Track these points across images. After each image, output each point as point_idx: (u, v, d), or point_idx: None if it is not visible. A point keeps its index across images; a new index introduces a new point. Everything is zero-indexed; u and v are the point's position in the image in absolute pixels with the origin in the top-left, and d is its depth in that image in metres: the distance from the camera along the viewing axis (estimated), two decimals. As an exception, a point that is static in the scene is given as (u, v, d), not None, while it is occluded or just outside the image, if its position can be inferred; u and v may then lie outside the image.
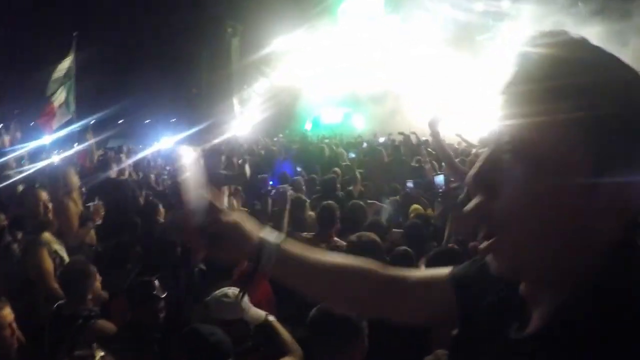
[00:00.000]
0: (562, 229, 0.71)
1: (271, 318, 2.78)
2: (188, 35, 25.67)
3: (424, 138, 12.27)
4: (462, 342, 0.97)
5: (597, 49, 0.74)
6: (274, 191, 4.40)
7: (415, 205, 5.34)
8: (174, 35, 25.58)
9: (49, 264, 3.55)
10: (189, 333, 2.41)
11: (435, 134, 4.12)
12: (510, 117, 0.72)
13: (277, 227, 3.80)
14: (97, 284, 3.26)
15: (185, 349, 2.39)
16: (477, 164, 0.77)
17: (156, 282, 3.08)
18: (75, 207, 4.32)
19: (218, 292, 2.79)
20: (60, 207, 4.18)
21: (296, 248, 1.16)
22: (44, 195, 3.90)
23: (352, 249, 3.15)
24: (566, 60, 0.71)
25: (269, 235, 1.15)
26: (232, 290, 2.76)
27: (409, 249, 3.52)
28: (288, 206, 4.06)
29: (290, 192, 4.33)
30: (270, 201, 5.02)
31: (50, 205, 3.88)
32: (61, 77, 9.83)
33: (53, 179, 4.41)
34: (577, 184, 0.68)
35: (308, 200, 5.43)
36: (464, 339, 0.96)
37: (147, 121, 29.89)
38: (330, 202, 4.50)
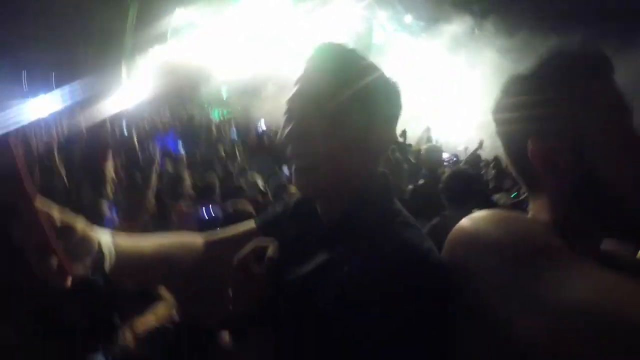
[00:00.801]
0: (341, 164, 1.14)
1: None
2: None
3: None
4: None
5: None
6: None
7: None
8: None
9: None
10: None
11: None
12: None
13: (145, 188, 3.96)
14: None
15: None
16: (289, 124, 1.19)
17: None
18: None
19: None
20: None
21: (129, 241, 1.20)
22: None
23: (228, 216, 3.47)
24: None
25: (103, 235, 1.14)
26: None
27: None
28: (154, 174, 4.16)
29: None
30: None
31: None
32: None
33: None
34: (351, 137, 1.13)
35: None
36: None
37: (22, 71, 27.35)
38: (210, 177, 4.78)
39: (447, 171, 4.09)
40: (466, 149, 10.84)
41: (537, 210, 1.05)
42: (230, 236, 1.36)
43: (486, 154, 9.48)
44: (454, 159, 9.91)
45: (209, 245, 1.33)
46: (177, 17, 23.02)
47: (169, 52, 23.48)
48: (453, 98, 16.61)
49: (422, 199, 4.19)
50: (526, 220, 1.01)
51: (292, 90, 1.21)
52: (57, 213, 1.02)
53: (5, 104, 15.30)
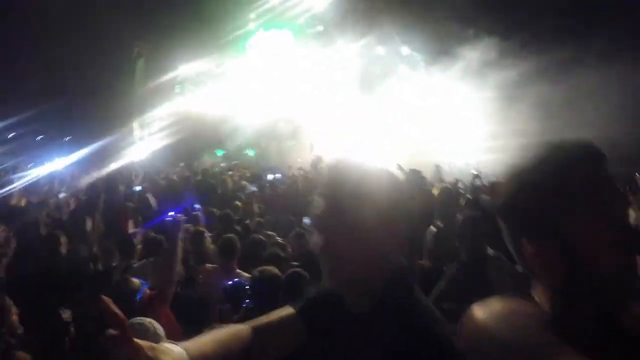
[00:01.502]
0: (369, 261, 1.33)
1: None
2: (90, 49, 24.69)
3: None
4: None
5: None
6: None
7: None
8: (77, 48, 24.44)
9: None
10: None
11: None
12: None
13: (169, 253, 4.04)
14: (14, 317, 3.34)
15: None
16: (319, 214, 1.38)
17: (63, 313, 3.30)
18: None
19: (135, 319, 3.00)
20: None
21: (195, 348, 1.34)
22: None
23: (256, 282, 3.60)
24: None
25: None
26: (149, 320, 3.01)
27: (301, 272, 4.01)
28: (180, 235, 4.22)
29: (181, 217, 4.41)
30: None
31: None
32: None
33: None
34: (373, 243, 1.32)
35: (208, 233, 5.77)
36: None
37: (40, 137, 28.14)
38: (230, 235, 4.92)
39: (459, 217, 4.21)
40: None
41: (539, 294, 1.13)
42: (273, 322, 1.49)
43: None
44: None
45: (255, 333, 1.43)
46: (184, 70, 23.66)
47: (178, 104, 24.03)
48: (457, 124, 16.92)
49: (441, 244, 4.33)
50: (530, 312, 1.11)
51: (319, 203, 1.39)
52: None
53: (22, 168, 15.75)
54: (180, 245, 4.07)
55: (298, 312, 1.51)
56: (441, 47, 17.45)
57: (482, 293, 1.29)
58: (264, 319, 1.50)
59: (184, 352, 1.27)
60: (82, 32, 24.32)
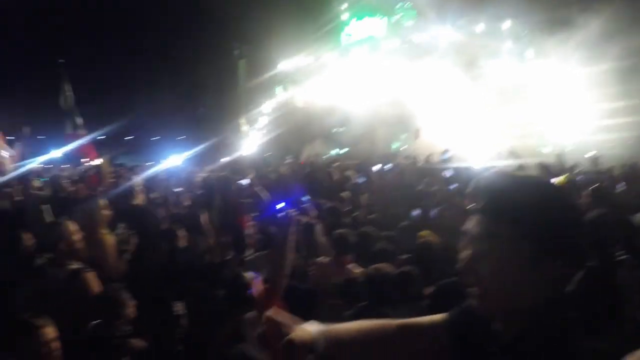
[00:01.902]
0: (522, 289, 1.21)
1: None
2: (197, 56, 26.13)
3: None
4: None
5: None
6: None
7: (425, 231, 5.30)
8: (183, 56, 26.00)
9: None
10: (238, 355, 2.63)
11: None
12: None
13: (282, 247, 4.03)
14: (131, 309, 3.52)
15: None
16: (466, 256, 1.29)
17: (176, 304, 3.37)
18: (110, 239, 4.52)
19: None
20: (98, 242, 4.42)
21: (333, 330, 1.50)
22: (74, 226, 4.17)
23: (369, 280, 3.46)
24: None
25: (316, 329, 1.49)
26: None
27: (412, 271, 3.83)
28: (292, 229, 4.20)
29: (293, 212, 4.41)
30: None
31: (79, 237, 4.13)
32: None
33: (85, 212, 4.60)
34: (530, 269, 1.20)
35: (318, 225, 5.70)
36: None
37: (156, 138, 30.23)
38: (343, 230, 4.82)
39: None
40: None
41: None
42: (421, 326, 1.50)
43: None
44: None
45: (401, 331, 1.49)
46: (284, 66, 24.15)
47: (282, 99, 24.63)
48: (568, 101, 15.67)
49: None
50: None
51: (473, 218, 1.29)
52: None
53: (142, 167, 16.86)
54: (292, 238, 4.05)
55: (446, 325, 1.47)
56: (549, 17, 16.11)
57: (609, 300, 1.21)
58: (413, 320, 1.53)
59: (320, 330, 1.45)
60: (187, 40, 25.80)
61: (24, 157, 12.06)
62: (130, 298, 3.58)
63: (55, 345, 2.94)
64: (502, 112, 16.68)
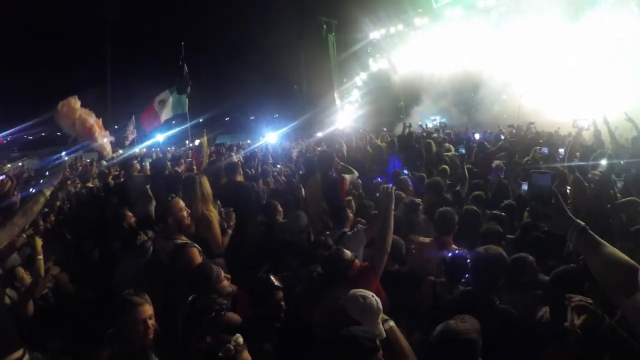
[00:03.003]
0: None
1: (391, 324, 2.89)
2: (286, 35, 26.35)
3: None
4: None
5: None
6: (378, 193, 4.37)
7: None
8: (273, 36, 26.32)
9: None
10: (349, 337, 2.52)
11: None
12: None
13: (382, 225, 3.87)
14: (225, 282, 3.53)
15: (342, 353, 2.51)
16: None
17: (272, 278, 3.31)
18: (215, 216, 4.58)
19: (358, 291, 2.94)
20: (202, 218, 4.49)
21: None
22: (182, 203, 4.25)
23: (478, 258, 3.19)
24: None
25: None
26: (371, 297, 2.89)
27: (527, 258, 3.50)
28: (392, 205, 4.04)
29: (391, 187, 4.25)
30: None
31: (187, 213, 4.21)
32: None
33: (188, 188, 4.68)
34: None
35: (420, 204, 5.43)
36: None
37: (252, 118, 31.06)
38: (448, 208, 4.53)
39: None
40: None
41: None
42: None
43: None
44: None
45: None
46: (374, 36, 23.59)
47: (375, 70, 24.18)
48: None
49: None
50: None
51: None
52: None
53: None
54: (392, 216, 3.88)
55: None
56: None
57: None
58: None
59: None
60: (274, 20, 26.09)
61: (133, 141, 12.82)
62: (225, 272, 3.58)
63: (152, 322, 2.99)
64: (613, 74, 15.16)
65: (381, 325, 2.82)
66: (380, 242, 3.79)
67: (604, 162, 6.25)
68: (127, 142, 12.73)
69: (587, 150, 7.84)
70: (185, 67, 10.26)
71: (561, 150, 7.19)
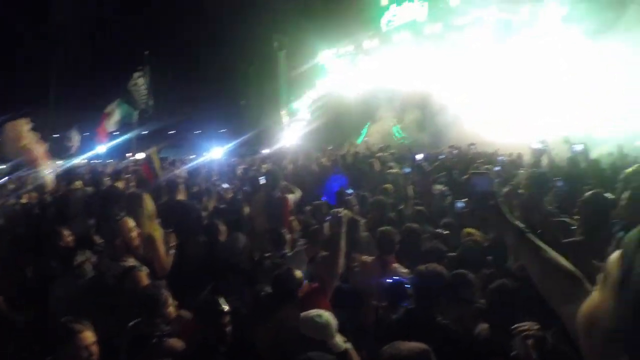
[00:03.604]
0: None
1: (349, 346, 2.91)
2: (237, 49, 26.27)
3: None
4: None
5: None
6: (329, 217, 4.43)
7: (469, 230, 5.08)
8: (223, 49, 26.18)
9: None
10: None
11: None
12: None
13: (334, 249, 3.92)
14: (171, 308, 3.44)
15: None
16: None
17: (221, 300, 3.26)
18: (160, 236, 4.44)
19: (312, 312, 2.96)
20: (149, 238, 4.33)
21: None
22: (132, 222, 4.11)
23: (419, 278, 3.26)
24: None
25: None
26: (327, 315, 2.93)
27: (467, 274, 3.61)
28: (344, 230, 4.09)
29: (344, 212, 4.31)
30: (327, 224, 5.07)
31: (136, 233, 4.08)
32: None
33: (133, 205, 4.53)
34: None
35: (363, 221, 5.52)
36: None
37: (198, 132, 30.64)
38: (388, 227, 4.61)
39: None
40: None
41: None
42: None
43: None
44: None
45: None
46: (324, 55, 23.93)
47: (322, 90, 24.44)
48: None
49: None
50: None
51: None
52: None
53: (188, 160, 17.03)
54: (343, 238, 3.93)
55: None
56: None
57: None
58: None
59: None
60: (227, 33, 25.96)
61: (72, 152, 12.39)
62: (170, 296, 3.50)
63: (94, 348, 2.88)
64: (551, 97, 15.91)
65: (337, 340, 2.84)
66: (332, 264, 3.84)
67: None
68: (72, 152, 12.29)
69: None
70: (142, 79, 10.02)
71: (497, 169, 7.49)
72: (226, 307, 3.22)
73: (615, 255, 0.92)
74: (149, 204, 4.59)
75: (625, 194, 2.97)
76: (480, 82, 17.96)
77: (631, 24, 13.98)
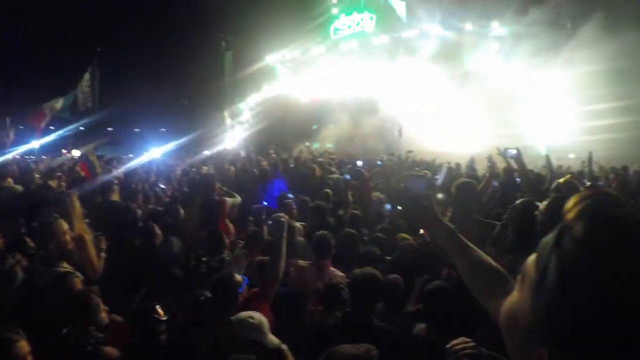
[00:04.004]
0: None
1: (284, 347, 2.93)
2: (181, 47, 25.81)
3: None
4: None
5: None
6: (270, 221, 4.43)
7: (403, 235, 5.24)
8: (167, 47, 25.65)
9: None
10: None
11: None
12: None
13: (275, 254, 3.93)
14: (104, 314, 3.34)
15: None
16: None
17: (158, 307, 3.21)
18: (90, 237, 4.26)
19: (244, 313, 2.94)
20: (79, 239, 4.15)
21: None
22: (66, 225, 3.93)
23: (354, 283, 3.32)
24: None
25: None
26: (258, 315, 2.93)
27: (399, 280, 3.75)
28: (285, 234, 4.12)
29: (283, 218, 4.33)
30: (265, 228, 5.08)
31: (70, 237, 3.91)
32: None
33: (63, 205, 4.34)
34: None
35: (299, 225, 5.57)
36: None
37: (137, 130, 29.83)
38: (324, 232, 4.66)
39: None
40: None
41: None
42: None
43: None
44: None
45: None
46: (271, 59, 23.88)
47: (267, 93, 24.36)
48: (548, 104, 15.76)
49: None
50: None
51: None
52: None
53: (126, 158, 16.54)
54: (284, 243, 3.93)
55: None
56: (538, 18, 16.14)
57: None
58: None
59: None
60: (171, 30, 25.43)
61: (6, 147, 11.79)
62: (102, 303, 3.39)
63: (30, 359, 2.76)
64: (488, 112, 16.67)
65: (271, 337, 2.86)
66: (272, 269, 3.84)
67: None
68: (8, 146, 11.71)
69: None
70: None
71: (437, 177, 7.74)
72: (162, 313, 3.17)
73: (531, 257, 0.96)
74: (76, 203, 4.42)
75: (545, 202, 3.16)
76: (423, 94, 18.55)
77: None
